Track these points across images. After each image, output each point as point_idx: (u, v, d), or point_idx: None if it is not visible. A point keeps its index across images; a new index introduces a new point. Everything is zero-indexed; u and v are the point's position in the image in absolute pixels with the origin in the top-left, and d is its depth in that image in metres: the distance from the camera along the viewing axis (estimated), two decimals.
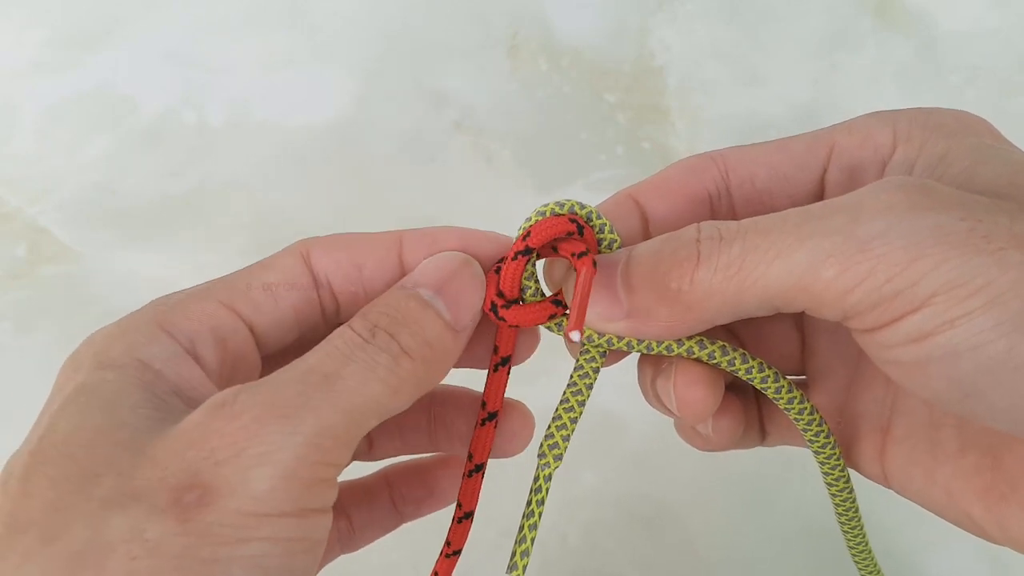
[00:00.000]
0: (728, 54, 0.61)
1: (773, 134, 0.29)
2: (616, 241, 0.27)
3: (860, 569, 0.35)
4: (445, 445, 0.32)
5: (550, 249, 0.27)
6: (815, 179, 0.28)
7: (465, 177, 0.57)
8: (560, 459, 0.27)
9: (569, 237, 0.26)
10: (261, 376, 0.26)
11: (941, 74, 0.60)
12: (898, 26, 0.61)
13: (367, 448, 0.32)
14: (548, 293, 0.28)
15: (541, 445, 0.27)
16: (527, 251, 0.26)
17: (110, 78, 0.59)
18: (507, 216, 0.31)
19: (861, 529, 0.33)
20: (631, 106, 0.59)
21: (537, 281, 0.27)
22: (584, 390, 0.28)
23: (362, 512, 0.32)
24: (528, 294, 0.27)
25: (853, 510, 0.32)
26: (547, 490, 0.27)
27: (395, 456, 0.33)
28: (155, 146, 0.58)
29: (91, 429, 0.22)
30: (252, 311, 0.26)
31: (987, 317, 0.20)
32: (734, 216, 0.29)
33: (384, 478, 0.32)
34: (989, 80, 0.60)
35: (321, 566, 0.30)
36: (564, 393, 0.28)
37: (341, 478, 0.23)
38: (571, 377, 0.28)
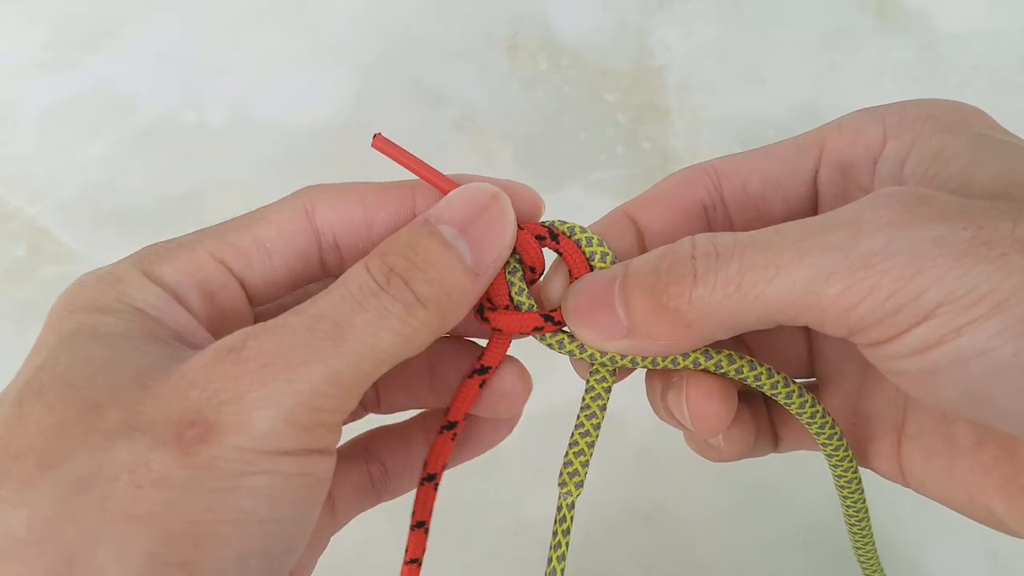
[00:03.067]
0: (728, 54, 0.61)
1: (773, 134, 0.29)
2: (608, 254, 0.27)
3: (864, 570, 0.35)
4: (447, 400, 0.31)
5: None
6: (807, 180, 0.27)
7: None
8: (581, 486, 0.27)
9: (540, 241, 0.27)
10: None
11: (941, 74, 0.60)
12: (898, 26, 0.61)
13: (375, 401, 0.31)
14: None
15: (561, 474, 0.27)
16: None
17: (110, 78, 0.59)
18: None
19: (869, 532, 0.33)
20: (631, 106, 0.59)
21: (530, 297, 0.27)
22: (598, 412, 0.27)
23: (397, 457, 0.31)
24: (523, 309, 0.27)
25: (863, 511, 0.32)
26: (571, 519, 0.27)
27: (405, 409, 0.31)
28: (155, 146, 0.58)
29: (95, 362, 0.22)
30: (243, 266, 0.25)
31: (992, 323, 0.20)
32: (730, 225, 0.29)
33: (421, 422, 0.31)
34: (989, 80, 0.60)
35: (357, 513, 0.30)
36: (578, 417, 0.27)
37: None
38: (583, 400, 0.27)
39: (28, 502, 0.20)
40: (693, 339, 0.24)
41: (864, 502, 0.31)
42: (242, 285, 0.25)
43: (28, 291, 0.54)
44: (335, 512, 0.30)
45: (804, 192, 0.28)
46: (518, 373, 0.29)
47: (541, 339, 0.27)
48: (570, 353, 0.27)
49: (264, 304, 0.27)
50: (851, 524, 0.32)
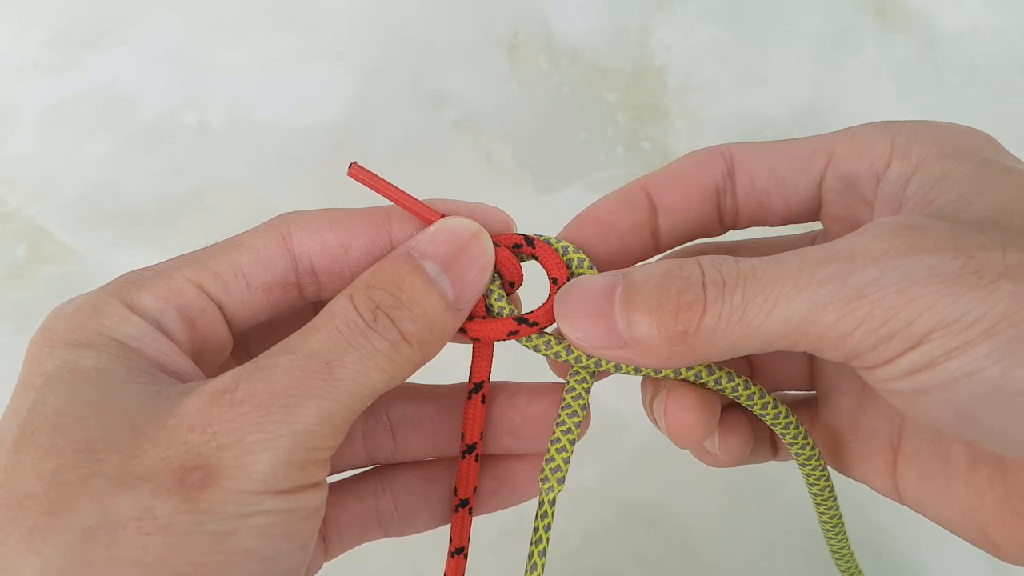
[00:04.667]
0: (728, 54, 0.61)
1: (772, 134, 0.29)
2: (586, 260, 0.27)
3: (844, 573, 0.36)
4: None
5: (517, 263, 0.28)
6: (812, 185, 0.28)
7: (465, 177, 0.57)
8: (563, 482, 0.27)
9: (517, 249, 0.27)
10: (233, 353, 0.27)
11: (941, 74, 0.60)
12: (898, 26, 0.61)
13: (391, 449, 0.31)
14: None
15: (543, 470, 0.27)
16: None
17: (110, 78, 0.59)
18: None
19: (845, 540, 0.33)
20: (631, 106, 0.59)
21: (509, 303, 0.27)
22: (579, 411, 0.28)
23: (415, 495, 0.31)
24: (493, 313, 0.27)
25: (837, 518, 0.32)
26: (552, 514, 0.27)
27: (425, 457, 0.31)
28: (155, 146, 0.58)
29: (84, 403, 0.22)
30: (221, 291, 0.25)
31: (981, 347, 0.20)
32: (736, 214, 0.29)
33: (449, 460, 0.31)
34: (989, 80, 0.60)
35: (357, 544, 0.30)
36: (560, 415, 0.28)
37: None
38: (564, 399, 0.28)
39: (39, 551, 0.20)
40: (692, 361, 0.24)
41: (837, 509, 0.32)
42: (221, 310, 0.26)
43: (28, 291, 0.54)
44: (327, 541, 0.30)
45: (806, 196, 0.28)
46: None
47: (526, 341, 0.27)
48: (556, 355, 0.27)
49: (244, 328, 0.27)
50: (826, 530, 0.33)
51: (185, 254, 0.26)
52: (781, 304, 0.22)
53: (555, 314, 0.26)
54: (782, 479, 0.49)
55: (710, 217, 0.29)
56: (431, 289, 0.24)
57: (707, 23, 0.62)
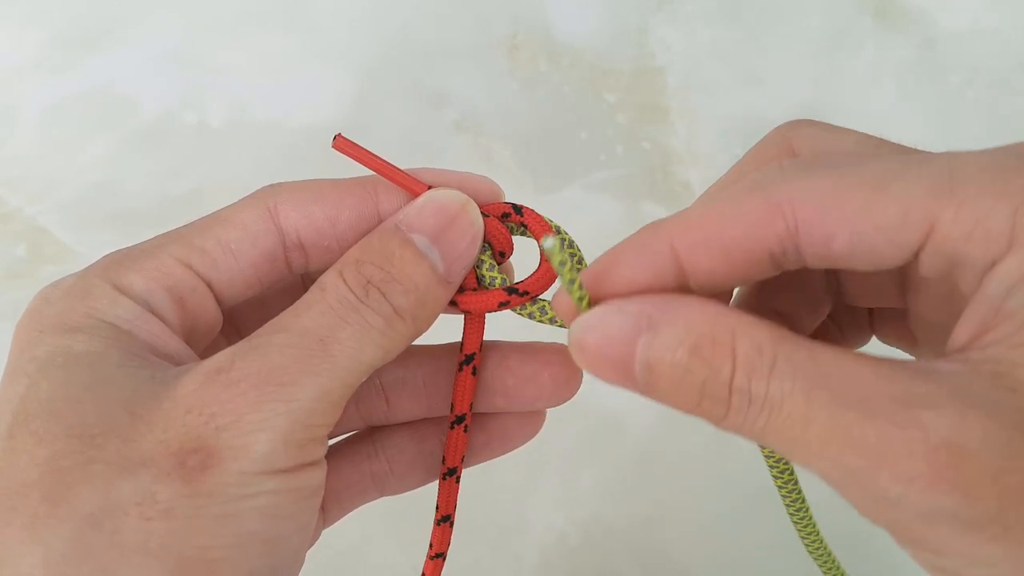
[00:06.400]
0: (728, 54, 0.61)
1: None
2: (575, 281, 0.23)
3: (814, 554, 0.35)
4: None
5: (507, 235, 0.27)
6: (905, 257, 0.21)
7: None
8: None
9: (505, 218, 0.27)
10: (222, 330, 0.27)
11: (941, 74, 0.60)
12: (898, 26, 0.61)
13: (384, 411, 0.30)
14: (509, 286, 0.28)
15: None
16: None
17: (110, 78, 0.59)
18: None
19: (812, 523, 0.33)
20: (631, 106, 0.59)
21: (501, 272, 0.27)
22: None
23: (407, 455, 0.30)
24: (485, 283, 0.27)
25: (801, 502, 0.32)
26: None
27: (417, 418, 0.31)
28: (155, 146, 0.58)
29: (78, 387, 0.22)
30: (209, 268, 0.25)
31: None
32: (802, 284, 0.25)
33: (436, 420, 0.31)
34: (989, 80, 0.60)
35: (354, 508, 0.30)
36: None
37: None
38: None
39: (41, 539, 0.20)
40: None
41: (800, 493, 0.31)
42: (210, 287, 0.25)
43: (28, 291, 0.54)
44: (326, 510, 0.30)
45: (896, 275, 0.24)
46: (565, 359, 0.28)
47: (520, 310, 0.27)
48: (551, 320, 0.27)
49: (233, 304, 0.27)
50: (792, 514, 0.32)
51: (169, 232, 0.26)
52: (798, 456, 0.20)
53: (569, 346, 0.23)
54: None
55: (756, 285, 0.25)
56: (421, 262, 0.24)
57: (707, 23, 0.62)
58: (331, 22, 0.61)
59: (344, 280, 0.24)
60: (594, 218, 0.56)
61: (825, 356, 0.19)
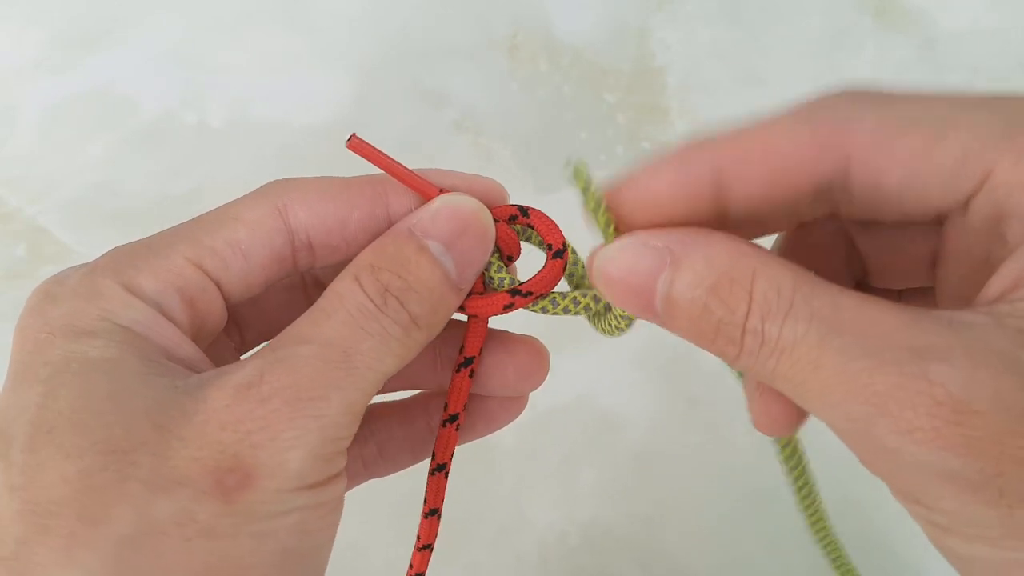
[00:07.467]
0: (728, 54, 0.61)
1: None
2: (600, 207, 0.24)
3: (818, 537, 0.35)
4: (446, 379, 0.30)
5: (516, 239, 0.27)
6: (957, 202, 0.20)
7: None
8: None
9: (512, 221, 0.27)
10: (227, 327, 0.27)
11: (941, 74, 0.60)
12: (898, 26, 0.61)
13: None
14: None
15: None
16: None
17: (110, 78, 0.59)
18: None
19: (831, 536, 0.33)
20: (631, 106, 0.59)
21: (509, 273, 0.27)
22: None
23: (395, 439, 0.30)
24: (494, 285, 0.27)
25: (819, 513, 0.32)
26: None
27: (404, 390, 0.31)
28: (155, 146, 0.58)
29: (101, 398, 0.21)
30: (219, 269, 0.25)
31: None
32: (837, 209, 0.23)
33: (423, 402, 0.31)
34: (989, 80, 0.60)
35: (349, 489, 0.30)
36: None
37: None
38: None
39: (79, 562, 0.20)
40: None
41: (812, 487, 0.31)
42: (218, 287, 0.25)
43: (28, 291, 0.54)
44: (382, 459, 0.30)
45: (947, 217, 0.22)
46: (533, 353, 0.28)
47: (531, 306, 0.27)
48: (564, 310, 0.27)
49: (237, 302, 0.26)
50: (805, 507, 0.32)
51: (176, 228, 0.25)
52: (805, 401, 0.20)
53: (591, 273, 0.24)
54: (782, 478, 0.49)
55: (801, 215, 0.24)
56: (436, 270, 0.24)
57: (707, 23, 0.62)
58: (331, 22, 0.61)
59: (362, 287, 0.23)
60: None
61: (848, 302, 0.19)
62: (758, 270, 0.20)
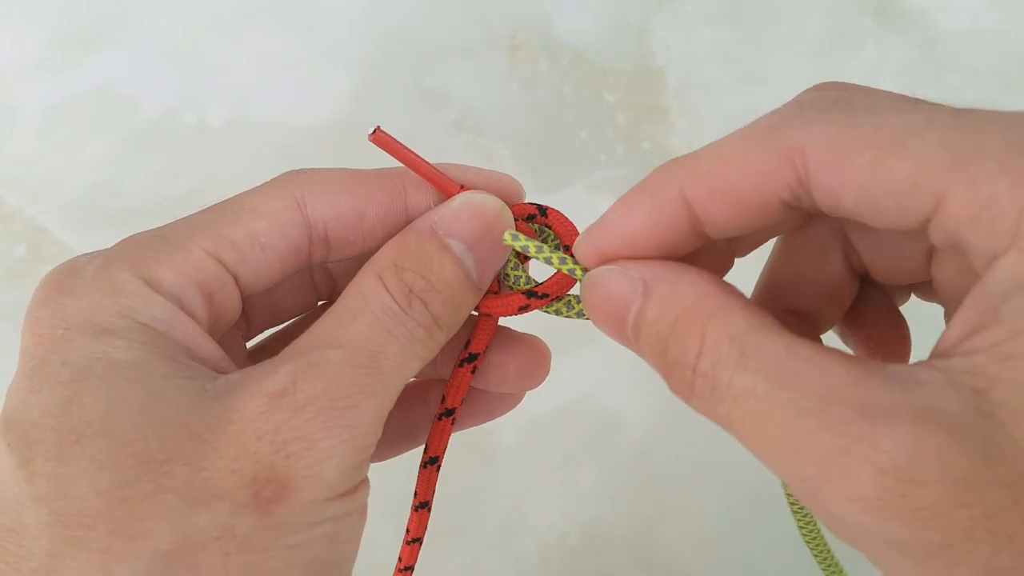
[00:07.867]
0: (728, 54, 0.61)
1: None
2: (559, 257, 0.25)
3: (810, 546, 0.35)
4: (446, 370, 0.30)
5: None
6: (915, 224, 0.19)
7: None
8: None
9: (531, 220, 0.27)
10: (241, 319, 0.27)
11: (941, 74, 0.60)
12: (898, 26, 0.61)
13: None
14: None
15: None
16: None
17: (110, 78, 0.59)
18: None
19: (826, 546, 0.33)
20: (631, 106, 0.59)
21: (525, 271, 0.27)
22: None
23: (392, 428, 0.30)
24: (509, 282, 0.27)
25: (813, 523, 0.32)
26: None
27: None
28: (155, 146, 0.58)
29: (130, 405, 0.21)
30: (238, 262, 0.24)
31: None
32: (811, 217, 0.23)
33: (421, 391, 0.30)
34: (989, 80, 0.60)
35: None
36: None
37: None
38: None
39: None
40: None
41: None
42: (236, 281, 0.25)
43: (28, 291, 0.54)
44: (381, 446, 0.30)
45: (906, 241, 0.23)
46: (536, 352, 0.28)
47: (546, 308, 0.27)
48: (579, 314, 0.27)
49: (251, 294, 0.26)
50: (798, 517, 0.33)
51: (192, 219, 0.25)
52: (755, 452, 0.20)
53: (581, 295, 0.24)
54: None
55: (786, 224, 0.23)
56: (459, 270, 0.24)
57: (707, 23, 0.62)
58: (331, 22, 0.61)
59: (386, 287, 0.23)
60: (594, 218, 0.56)
61: (801, 353, 0.19)
62: (715, 314, 0.20)
